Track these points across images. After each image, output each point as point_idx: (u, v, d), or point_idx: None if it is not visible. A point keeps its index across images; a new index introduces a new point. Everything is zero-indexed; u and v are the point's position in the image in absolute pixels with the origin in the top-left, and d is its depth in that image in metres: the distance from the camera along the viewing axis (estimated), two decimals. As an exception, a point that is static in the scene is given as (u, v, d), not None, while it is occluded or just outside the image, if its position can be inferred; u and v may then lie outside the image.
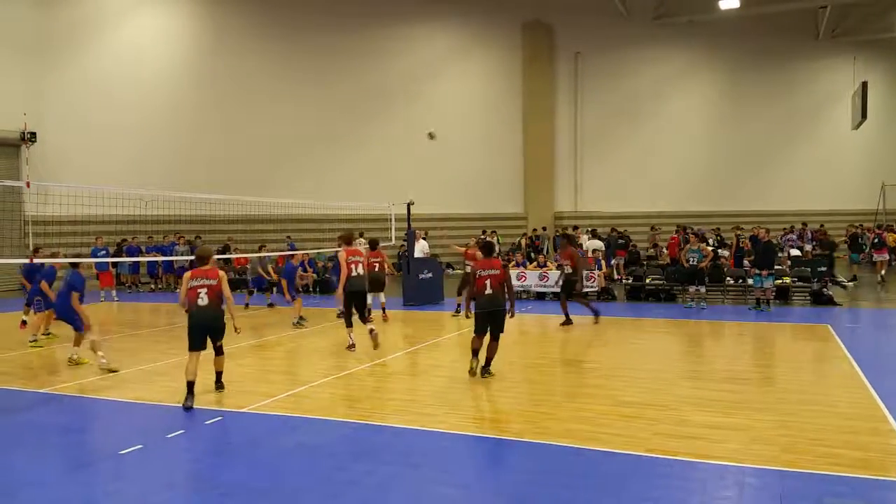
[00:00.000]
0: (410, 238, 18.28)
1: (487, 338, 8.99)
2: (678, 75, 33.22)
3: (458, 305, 15.00)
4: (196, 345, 8.14)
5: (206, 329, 8.19)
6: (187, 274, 8.34)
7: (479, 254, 10.53)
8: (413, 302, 17.18)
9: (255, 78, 27.81)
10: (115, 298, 19.99)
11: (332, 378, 9.23)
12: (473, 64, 31.44)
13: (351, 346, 11.05)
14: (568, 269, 13.92)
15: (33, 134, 23.10)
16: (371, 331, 10.76)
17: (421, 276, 17.62)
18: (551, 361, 9.95)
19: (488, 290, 8.84)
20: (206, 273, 8.25)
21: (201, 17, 27.62)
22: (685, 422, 6.94)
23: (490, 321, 8.91)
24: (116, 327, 14.69)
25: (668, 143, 32.68)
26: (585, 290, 17.76)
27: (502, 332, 9.07)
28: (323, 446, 6.40)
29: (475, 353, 9.01)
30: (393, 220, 18.84)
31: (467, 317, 9.51)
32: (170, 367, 10.21)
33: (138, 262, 22.16)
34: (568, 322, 13.54)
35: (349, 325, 11.15)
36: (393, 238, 19.11)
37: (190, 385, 7.89)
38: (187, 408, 7.69)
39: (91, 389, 8.86)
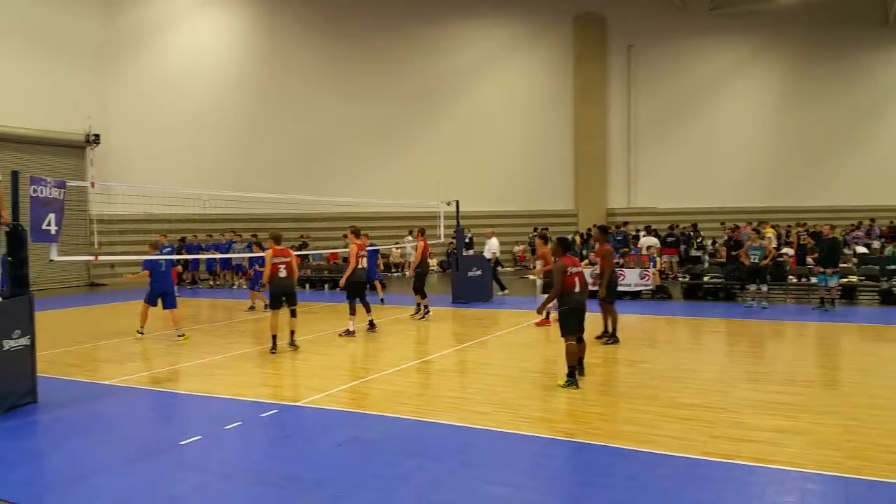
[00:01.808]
0: (460, 236, 18.27)
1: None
2: (737, 67, 32.28)
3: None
4: (276, 306, 11.12)
5: (284, 294, 11.10)
6: (269, 252, 11.06)
7: (547, 251, 10.29)
8: (462, 299, 17.18)
9: (305, 78, 28.30)
10: (177, 294, 20.57)
11: (382, 374, 9.31)
12: (523, 59, 31.27)
13: (350, 332, 12.30)
14: (596, 270, 12.60)
15: (97, 136, 24.01)
16: (372, 322, 12.77)
17: (470, 273, 17.59)
18: (605, 361, 9.82)
19: (577, 288, 8.45)
20: (284, 252, 11.16)
21: (255, 19, 28.23)
22: (744, 425, 6.75)
23: (581, 320, 8.51)
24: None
25: (726, 136, 31.79)
26: (638, 288, 17.48)
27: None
28: (375, 441, 6.46)
29: (573, 371, 8.31)
30: (442, 218, 18.89)
31: (545, 316, 9.19)
32: (228, 360, 10.48)
33: (198, 259, 22.79)
34: (605, 336, 11.33)
35: (353, 312, 12.46)
36: (442, 236, 19.16)
37: (273, 337, 10.95)
38: (272, 351, 10.69)
39: (153, 381, 9.16)
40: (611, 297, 11.20)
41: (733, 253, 17.48)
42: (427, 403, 7.78)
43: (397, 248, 26.77)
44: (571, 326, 8.43)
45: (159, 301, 12.47)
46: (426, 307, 14.73)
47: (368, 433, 6.70)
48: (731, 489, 5.22)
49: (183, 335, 12.34)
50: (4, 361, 7.48)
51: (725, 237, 21.89)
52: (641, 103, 31.59)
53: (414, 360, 10.23)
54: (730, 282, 17.36)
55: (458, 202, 18.54)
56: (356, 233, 12.86)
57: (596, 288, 11.30)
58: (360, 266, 12.56)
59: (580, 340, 8.62)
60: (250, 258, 17.67)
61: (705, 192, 31.02)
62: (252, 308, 16.73)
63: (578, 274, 8.54)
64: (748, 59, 32.43)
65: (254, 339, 12.49)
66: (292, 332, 11.26)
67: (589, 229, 27.10)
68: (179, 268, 21.43)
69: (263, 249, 18.53)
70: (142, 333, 12.61)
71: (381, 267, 21.30)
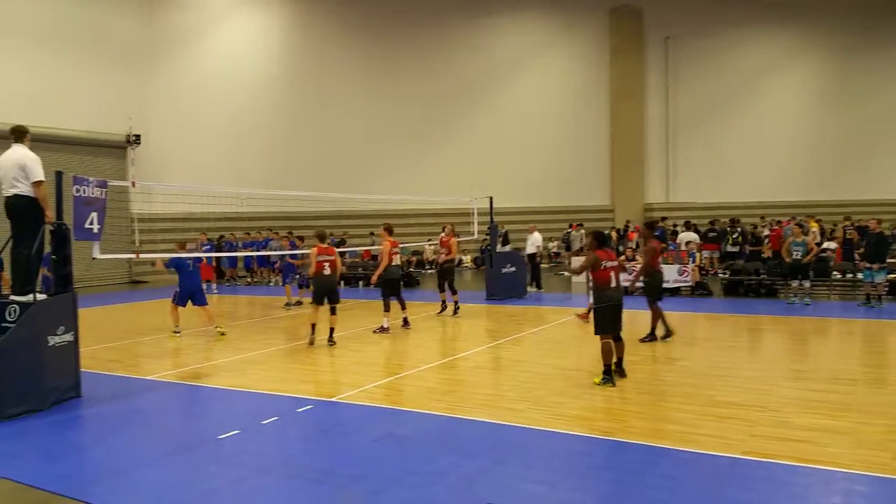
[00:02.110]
0: (493, 232, 18.22)
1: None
2: (780, 57, 31.48)
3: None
4: (319, 301, 11.37)
5: (327, 292, 11.37)
6: (314, 250, 11.33)
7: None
8: (496, 296, 17.12)
9: (341, 76, 28.54)
10: (215, 291, 21.01)
11: (416, 370, 9.33)
12: (558, 54, 31.05)
13: (384, 329, 12.35)
14: (635, 267, 12.32)
15: (138, 136, 24.51)
16: (406, 319, 12.85)
17: (504, 270, 17.52)
18: (642, 359, 9.68)
19: (613, 283, 8.29)
20: (328, 251, 11.40)
21: (291, 18, 28.54)
22: (786, 424, 6.60)
23: (617, 316, 8.33)
24: (218, 318, 15.34)
25: (769, 128, 31.05)
26: (677, 284, 17.22)
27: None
28: (410, 437, 6.47)
29: (609, 369, 8.15)
30: (475, 214, 18.85)
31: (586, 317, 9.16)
32: (265, 356, 10.61)
33: (235, 256, 23.15)
34: (651, 338, 11.01)
35: (387, 309, 12.50)
36: (475, 232, 19.14)
37: (313, 326, 11.29)
38: (310, 342, 11.11)
39: (192, 377, 9.32)
40: (652, 295, 10.95)
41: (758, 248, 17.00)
42: (461, 400, 7.76)
43: (430, 245, 26.82)
44: (606, 324, 8.27)
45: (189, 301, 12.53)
46: (455, 303, 14.78)
47: (403, 429, 6.72)
48: (772, 489, 5.09)
49: (221, 330, 12.57)
50: (49, 357, 7.68)
51: (767, 232, 21.45)
52: (680, 96, 31.09)
53: (447, 357, 10.23)
54: (772, 278, 16.99)
55: (491, 199, 18.48)
56: (389, 230, 12.89)
57: (627, 284, 10.52)
58: (393, 263, 12.63)
59: (618, 339, 8.46)
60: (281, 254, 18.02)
61: (746, 186, 30.39)
62: (290, 304, 16.88)
63: (614, 269, 8.37)
64: (790, 49, 31.63)
65: (290, 336, 12.63)
66: (332, 330, 11.40)
67: (626, 223, 26.82)
68: (213, 264, 21.88)
69: (293, 245, 18.87)
70: (178, 332, 12.64)
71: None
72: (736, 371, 8.96)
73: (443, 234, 15.65)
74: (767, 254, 19.83)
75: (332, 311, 11.46)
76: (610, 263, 8.35)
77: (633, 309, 10.35)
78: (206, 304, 12.74)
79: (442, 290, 14.92)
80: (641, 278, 11.15)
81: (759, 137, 30.93)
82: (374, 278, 12.74)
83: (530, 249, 19.02)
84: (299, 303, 16.93)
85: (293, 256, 17.75)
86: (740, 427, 6.49)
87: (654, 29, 31.00)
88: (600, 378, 8.18)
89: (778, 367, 9.20)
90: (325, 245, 11.46)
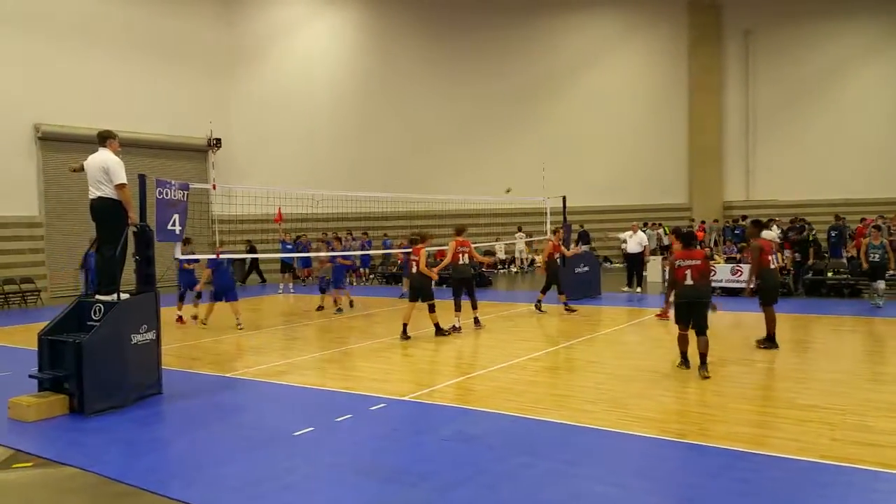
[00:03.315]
0: (567, 232, 17.94)
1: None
2: (866, 49, 29.65)
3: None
4: (413, 299, 12.06)
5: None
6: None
7: (677, 244, 10.01)
8: (569, 296, 16.82)
9: (412, 77, 28.79)
10: (291, 290, 21.54)
11: (487, 370, 9.26)
12: (634, 49, 30.37)
13: (456, 329, 12.41)
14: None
15: (218, 140, 25.36)
16: (477, 319, 12.98)
17: (577, 269, 17.24)
18: (719, 360, 9.32)
19: (689, 281, 8.63)
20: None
21: (364, 21, 29.02)
22: (868, 428, 6.25)
23: (692, 312, 8.69)
24: (293, 317, 15.75)
25: (854, 123, 29.31)
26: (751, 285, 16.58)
27: (707, 326, 8.63)
28: (481, 437, 6.42)
29: (684, 355, 8.96)
30: (548, 213, 18.61)
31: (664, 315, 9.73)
32: (339, 354, 10.78)
33: (310, 257, 23.57)
34: (769, 343, 10.30)
35: (458, 308, 12.69)
36: (548, 232, 18.89)
37: (405, 326, 11.83)
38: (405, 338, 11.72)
39: (269, 374, 9.53)
40: (764, 298, 10.24)
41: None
42: (534, 401, 7.65)
43: (501, 245, 26.79)
44: (681, 318, 8.90)
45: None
46: (565, 303, 14.98)
47: (474, 429, 6.67)
48: (852, 495, 4.84)
49: (241, 326, 13.59)
50: (132, 355, 7.98)
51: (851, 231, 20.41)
52: (760, 91, 29.82)
53: (519, 357, 10.11)
54: (855, 278, 16.16)
55: (564, 198, 18.23)
56: (459, 231, 12.90)
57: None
58: (461, 262, 12.66)
59: (701, 334, 8.59)
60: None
61: (829, 183, 28.77)
62: (340, 309, 16.15)
63: (690, 267, 8.62)
64: (875, 41, 29.62)
65: (363, 335, 12.77)
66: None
67: (703, 222, 25.99)
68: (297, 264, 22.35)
69: (329, 246, 18.68)
70: (241, 326, 13.64)
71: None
72: (815, 373, 8.61)
73: (552, 237, 15.78)
74: (852, 253, 18.86)
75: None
76: (686, 262, 8.69)
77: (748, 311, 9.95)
78: (237, 300, 13.99)
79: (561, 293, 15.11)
80: (754, 280, 10.33)
81: (843, 133, 29.25)
82: (434, 272, 12.41)
83: (634, 248, 18.55)
84: (339, 309, 16.11)
85: (332, 259, 16.49)
86: (820, 430, 6.21)
87: (734, 22, 29.86)
88: (678, 361, 8.97)
89: (860, 370, 8.80)
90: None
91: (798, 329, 12.18)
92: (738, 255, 18.32)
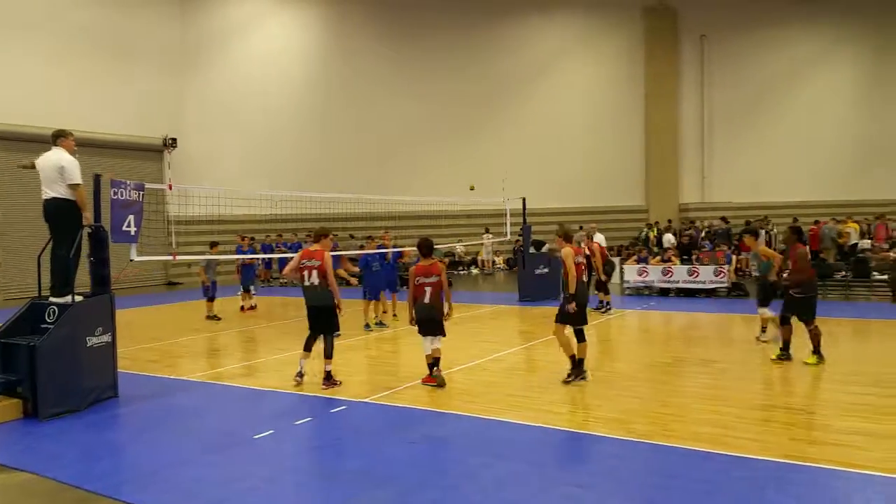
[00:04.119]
0: (526, 233, 18.11)
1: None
2: (818, 54, 30.63)
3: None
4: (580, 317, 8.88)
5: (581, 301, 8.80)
6: (568, 250, 8.50)
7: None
8: (529, 297, 17.01)
9: (373, 78, 28.67)
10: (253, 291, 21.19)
11: (448, 372, 9.27)
12: (592, 53, 30.78)
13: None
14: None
15: (174, 140, 24.93)
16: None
17: (537, 271, 17.41)
18: (677, 361, 9.52)
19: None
20: (577, 251, 8.82)
21: (324, 20, 28.84)
22: (827, 427, 6.44)
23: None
24: (251, 320, 15.55)
25: (807, 127, 30.22)
26: (713, 286, 17.02)
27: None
28: (442, 439, 6.45)
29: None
30: (508, 215, 18.75)
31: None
32: (299, 356, 10.64)
33: (270, 258, 23.35)
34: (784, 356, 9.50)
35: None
36: (508, 233, 19.06)
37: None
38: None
39: (228, 377, 9.41)
40: (802, 312, 9.32)
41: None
42: (495, 402, 7.70)
43: (462, 247, 26.88)
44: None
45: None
46: (608, 304, 15.05)
47: (435, 431, 6.70)
48: (813, 494, 4.97)
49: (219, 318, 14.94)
50: (88, 358, 7.81)
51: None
52: (715, 95, 30.54)
53: (480, 359, 10.17)
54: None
55: (524, 199, 18.37)
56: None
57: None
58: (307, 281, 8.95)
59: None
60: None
61: (784, 185, 29.63)
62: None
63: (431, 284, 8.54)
64: (830, 46, 30.71)
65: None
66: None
67: (669, 222, 26.41)
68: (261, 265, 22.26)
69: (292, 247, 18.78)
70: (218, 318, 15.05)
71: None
72: (774, 373, 8.76)
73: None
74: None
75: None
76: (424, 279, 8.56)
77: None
78: (213, 299, 15.42)
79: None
80: (794, 290, 9.29)
81: (796, 136, 30.18)
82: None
83: None
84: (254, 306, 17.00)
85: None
86: (780, 430, 6.37)
87: (689, 27, 30.53)
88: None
89: (816, 370, 8.97)
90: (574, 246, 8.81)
91: (753, 329, 12.47)
92: (735, 256, 18.70)
